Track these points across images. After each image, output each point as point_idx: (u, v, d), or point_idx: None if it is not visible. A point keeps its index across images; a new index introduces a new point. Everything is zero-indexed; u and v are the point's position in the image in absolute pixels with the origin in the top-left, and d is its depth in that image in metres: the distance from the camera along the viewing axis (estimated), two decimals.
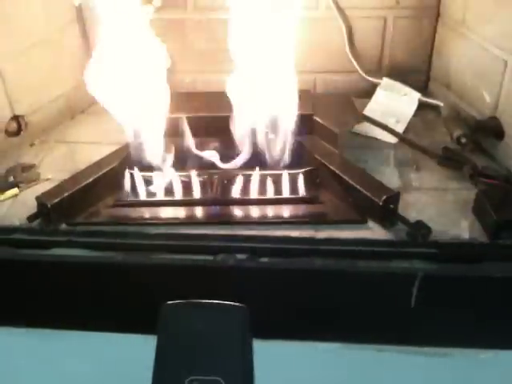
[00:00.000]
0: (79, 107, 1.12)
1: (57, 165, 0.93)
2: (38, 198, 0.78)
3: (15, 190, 0.86)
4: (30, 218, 0.77)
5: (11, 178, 0.88)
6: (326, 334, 0.82)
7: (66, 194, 0.79)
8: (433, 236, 0.74)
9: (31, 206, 0.80)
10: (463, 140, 0.88)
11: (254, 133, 0.89)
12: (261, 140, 0.89)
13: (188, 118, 0.90)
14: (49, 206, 0.77)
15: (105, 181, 0.84)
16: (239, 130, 0.89)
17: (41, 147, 0.99)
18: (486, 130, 0.90)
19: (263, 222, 0.79)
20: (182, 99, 0.97)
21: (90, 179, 0.82)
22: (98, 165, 0.87)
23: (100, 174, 0.84)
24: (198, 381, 0.34)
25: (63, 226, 0.79)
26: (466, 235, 0.75)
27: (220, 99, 0.88)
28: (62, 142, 1.01)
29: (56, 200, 0.78)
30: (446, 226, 0.77)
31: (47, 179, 0.89)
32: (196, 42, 1.11)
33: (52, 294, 0.82)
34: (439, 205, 0.81)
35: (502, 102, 0.88)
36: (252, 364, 0.31)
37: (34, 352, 0.90)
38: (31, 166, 0.91)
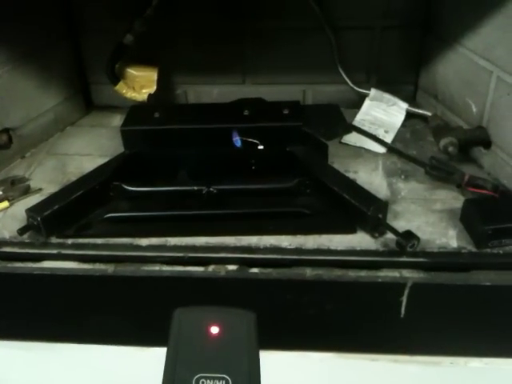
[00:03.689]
0: (69, 120, 1.12)
1: (48, 177, 0.93)
2: (28, 211, 0.78)
3: (5, 203, 0.86)
4: (21, 231, 0.77)
5: (1, 192, 0.87)
6: (319, 343, 0.82)
7: (56, 207, 0.78)
8: (421, 245, 0.75)
9: (21, 219, 0.80)
10: (450, 149, 0.88)
11: (243, 143, 0.90)
12: (251, 150, 0.90)
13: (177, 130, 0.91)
14: (39, 219, 0.76)
15: (95, 193, 0.84)
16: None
17: (31, 160, 0.99)
18: (474, 140, 0.91)
19: (253, 232, 0.79)
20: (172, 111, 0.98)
21: (81, 191, 0.82)
22: (88, 177, 0.87)
23: (91, 186, 0.84)
24: (206, 378, 0.35)
25: (54, 239, 0.79)
26: (454, 244, 0.76)
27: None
28: (53, 154, 1.01)
29: (46, 213, 0.77)
30: (434, 235, 0.78)
31: (38, 190, 0.89)
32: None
33: (43, 307, 0.82)
34: (427, 214, 0.82)
35: (487, 112, 0.89)
36: (259, 365, 0.32)
37: (24, 365, 0.89)
38: (22, 179, 0.91)
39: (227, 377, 0.36)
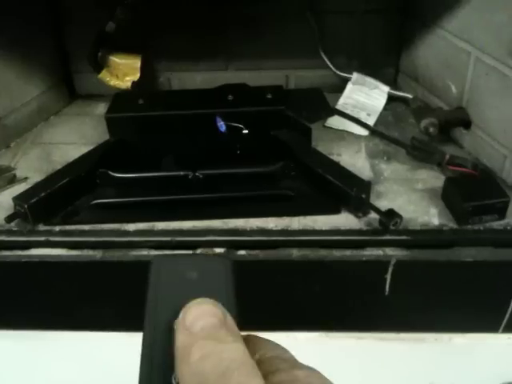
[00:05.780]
0: (53, 109, 1.12)
1: (33, 166, 0.93)
2: (14, 199, 0.78)
3: None
4: (8, 219, 0.77)
5: None
6: (306, 323, 0.83)
7: (43, 194, 0.79)
8: (404, 223, 0.76)
9: (8, 208, 0.80)
10: (431, 130, 0.90)
11: (228, 128, 0.91)
12: (235, 135, 0.91)
13: (161, 116, 0.91)
14: (26, 206, 0.77)
15: (82, 180, 0.84)
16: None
17: (16, 149, 0.99)
18: (454, 120, 0.93)
19: (240, 215, 0.80)
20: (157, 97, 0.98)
21: (67, 178, 0.82)
22: (75, 164, 0.87)
23: (77, 173, 0.84)
24: None
25: (41, 226, 0.79)
26: (435, 222, 0.78)
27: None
28: (38, 143, 1.01)
29: (33, 200, 0.78)
30: (416, 213, 0.79)
31: (24, 179, 0.89)
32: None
33: (32, 295, 0.82)
34: (409, 193, 0.83)
35: (467, 93, 0.91)
36: (236, 306, 0.34)
37: (14, 354, 0.90)
38: (7, 168, 0.91)
39: None
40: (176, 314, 0.31)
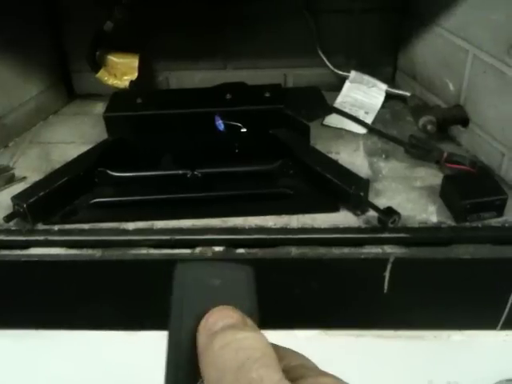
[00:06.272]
0: (51, 108, 1.12)
1: (32, 165, 0.93)
2: (13, 198, 0.78)
3: None
4: (7, 219, 0.77)
5: None
6: (305, 321, 0.84)
7: (41, 194, 0.79)
8: (402, 221, 0.76)
9: (7, 207, 0.80)
10: (429, 127, 0.90)
11: (226, 127, 0.91)
12: (234, 134, 0.91)
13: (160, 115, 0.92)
14: (25, 205, 0.77)
15: (80, 179, 0.84)
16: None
17: (15, 149, 0.99)
18: (452, 118, 0.93)
19: (239, 214, 0.80)
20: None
21: (66, 178, 0.82)
22: (73, 163, 0.87)
23: (76, 172, 0.84)
24: None
25: (40, 226, 0.79)
26: (434, 219, 0.78)
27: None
28: (36, 143, 1.01)
29: (32, 199, 0.78)
30: (414, 211, 0.79)
31: (23, 178, 0.89)
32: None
33: (31, 294, 0.82)
34: (408, 191, 0.83)
35: (465, 91, 0.91)
36: (258, 311, 0.35)
37: (13, 354, 0.90)
38: (6, 168, 0.91)
39: None
40: (199, 321, 0.32)
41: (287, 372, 0.30)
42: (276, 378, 0.28)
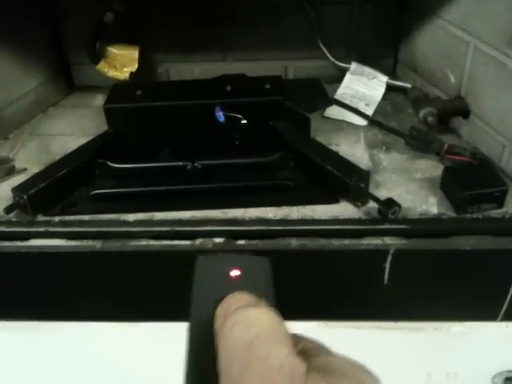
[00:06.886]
0: (51, 101, 1.11)
1: (32, 157, 0.93)
2: (13, 190, 0.78)
3: None
4: (7, 210, 0.77)
5: None
6: (305, 312, 0.84)
7: (42, 185, 0.78)
8: (403, 213, 0.76)
9: (7, 199, 0.80)
10: (430, 119, 0.90)
11: (226, 118, 0.91)
12: (234, 125, 0.91)
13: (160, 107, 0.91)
14: (25, 197, 0.77)
15: (81, 170, 0.84)
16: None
17: (15, 141, 0.98)
18: (452, 110, 0.93)
19: (239, 205, 0.80)
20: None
21: (66, 169, 0.82)
22: (73, 155, 0.87)
23: (76, 164, 0.84)
24: None
25: (40, 217, 0.79)
26: (434, 211, 0.78)
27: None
28: (36, 135, 1.01)
29: (32, 191, 0.77)
30: (414, 202, 0.79)
31: (23, 170, 0.89)
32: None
33: (32, 286, 0.82)
34: (408, 183, 0.83)
35: (465, 82, 0.91)
36: (275, 302, 0.36)
37: (13, 345, 0.90)
38: (6, 159, 0.91)
39: None
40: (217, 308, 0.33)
41: (302, 353, 0.31)
42: (284, 352, 0.28)
